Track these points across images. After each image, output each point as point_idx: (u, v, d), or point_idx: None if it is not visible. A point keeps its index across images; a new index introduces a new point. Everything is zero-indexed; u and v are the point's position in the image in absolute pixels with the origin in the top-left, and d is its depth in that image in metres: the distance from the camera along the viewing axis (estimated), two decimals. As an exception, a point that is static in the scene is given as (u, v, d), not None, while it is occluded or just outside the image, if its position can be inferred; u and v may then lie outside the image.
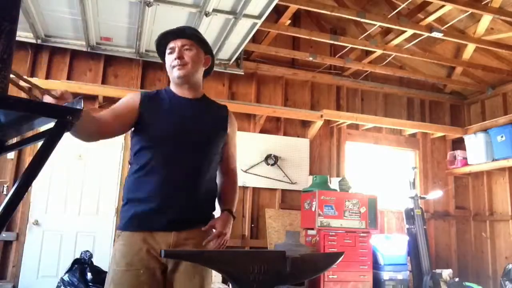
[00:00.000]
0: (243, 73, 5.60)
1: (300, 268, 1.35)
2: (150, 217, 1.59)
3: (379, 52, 5.64)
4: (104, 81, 5.24)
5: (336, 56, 5.92)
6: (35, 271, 4.60)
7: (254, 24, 4.32)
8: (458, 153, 6.24)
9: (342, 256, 1.52)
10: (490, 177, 6.19)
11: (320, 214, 4.78)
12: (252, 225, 5.39)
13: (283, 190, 5.59)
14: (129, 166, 1.72)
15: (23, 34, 4.63)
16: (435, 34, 4.94)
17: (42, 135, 1.01)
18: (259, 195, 5.53)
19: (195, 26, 4.00)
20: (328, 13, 4.79)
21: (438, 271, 5.25)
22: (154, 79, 5.45)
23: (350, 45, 5.53)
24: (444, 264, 6.01)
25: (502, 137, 5.59)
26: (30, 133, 1.25)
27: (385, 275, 4.90)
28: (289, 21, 5.27)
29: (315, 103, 6.08)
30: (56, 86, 4.79)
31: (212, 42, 4.66)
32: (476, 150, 5.91)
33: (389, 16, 4.94)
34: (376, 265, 4.91)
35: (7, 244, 4.63)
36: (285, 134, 5.78)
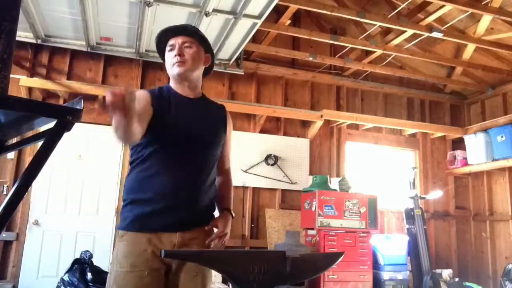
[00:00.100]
0: (243, 73, 5.60)
1: (300, 268, 1.36)
2: (157, 218, 1.58)
3: (379, 52, 5.64)
4: (104, 81, 5.23)
5: (336, 56, 5.92)
6: (35, 271, 4.60)
7: (254, 24, 4.32)
8: (458, 153, 6.23)
9: (342, 256, 1.52)
10: (490, 177, 6.18)
11: (320, 214, 4.78)
12: (252, 225, 5.39)
13: (283, 190, 5.59)
14: (130, 165, 1.69)
15: (23, 34, 4.62)
16: (435, 34, 4.94)
17: (42, 135, 1.02)
18: (259, 195, 5.52)
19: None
20: (328, 13, 4.79)
21: (438, 271, 5.25)
22: (154, 79, 5.45)
23: (350, 45, 5.53)
24: (444, 264, 6.01)
25: (502, 137, 5.59)
26: (30, 133, 1.25)
27: (385, 275, 4.90)
28: (289, 21, 5.27)
29: (315, 103, 6.07)
30: (56, 86, 4.81)
31: (212, 42, 4.65)
32: (476, 150, 5.91)
33: (389, 16, 4.93)
34: (376, 265, 4.91)
35: (7, 244, 4.63)
36: (285, 134, 5.77)
